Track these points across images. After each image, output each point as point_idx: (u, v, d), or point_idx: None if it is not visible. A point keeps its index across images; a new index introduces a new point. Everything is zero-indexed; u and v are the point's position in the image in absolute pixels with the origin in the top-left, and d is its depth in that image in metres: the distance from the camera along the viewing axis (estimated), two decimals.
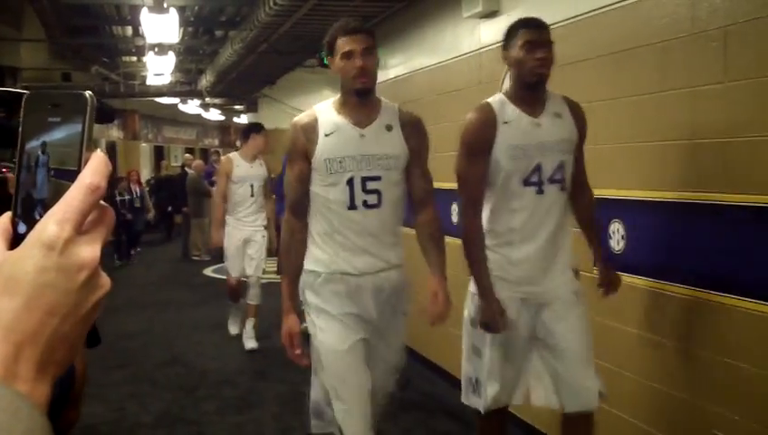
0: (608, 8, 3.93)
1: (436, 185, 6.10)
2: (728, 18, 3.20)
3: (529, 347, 3.45)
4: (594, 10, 4.04)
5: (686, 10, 3.42)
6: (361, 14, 7.11)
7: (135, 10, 9.59)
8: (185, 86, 17.13)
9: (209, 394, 6.01)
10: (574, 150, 3.40)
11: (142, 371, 6.71)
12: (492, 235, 3.39)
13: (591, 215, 3.58)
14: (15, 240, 0.63)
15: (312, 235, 3.36)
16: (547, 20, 4.46)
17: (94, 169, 0.63)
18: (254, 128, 7.53)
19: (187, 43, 12.31)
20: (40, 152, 0.64)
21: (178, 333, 8.23)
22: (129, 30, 12.05)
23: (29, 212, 0.63)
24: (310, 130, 3.29)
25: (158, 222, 16.81)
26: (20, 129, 0.64)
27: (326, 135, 3.25)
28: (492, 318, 3.33)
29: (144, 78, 15.98)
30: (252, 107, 17.89)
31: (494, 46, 5.17)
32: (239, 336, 7.46)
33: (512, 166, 3.29)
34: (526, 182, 3.31)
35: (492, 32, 5.21)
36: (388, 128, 3.33)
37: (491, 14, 5.15)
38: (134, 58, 15.34)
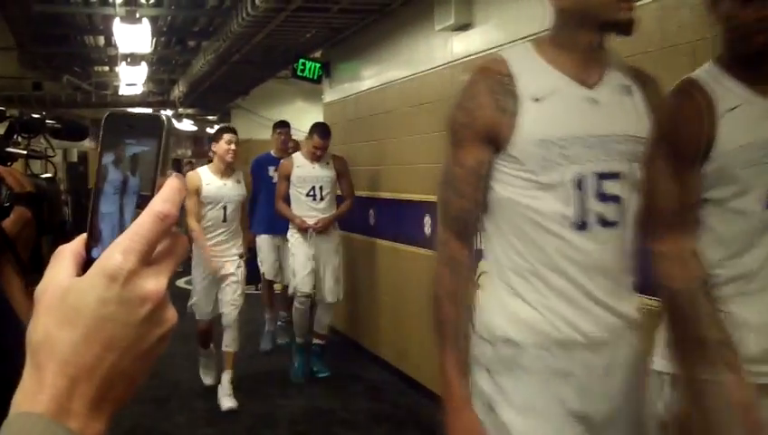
0: None
1: (410, 196, 6.15)
2: (696, 33, 3.25)
3: None
4: None
5: (656, 24, 3.46)
6: (334, 26, 7.15)
7: (107, 20, 9.53)
8: (157, 96, 17.06)
9: (181, 406, 5.97)
10: None
11: None
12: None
13: None
14: (88, 264, 0.61)
15: (497, 275, 2.01)
16: (519, 33, 4.51)
17: (165, 196, 0.61)
18: (229, 129, 5.98)
19: (160, 53, 12.25)
20: (115, 175, 0.62)
21: None
22: (102, 40, 11.98)
23: (103, 236, 0.62)
24: (501, 89, 1.93)
25: None
26: (98, 149, 0.63)
27: (535, 100, 1.93)
28: None
29: (116, 88, 15.90)
30: (225, 118, 17.83)
31: (466, 59, 5.21)
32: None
33: (747, 176, 2.03)
34: None
35: (464, 44, 5.25)
36: (626, 90, 2.02)
37: (463, 26, 5.19)
38: (106, 68, 15.26)
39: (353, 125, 7.52)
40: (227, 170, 5.82)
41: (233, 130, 5.97)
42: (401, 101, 6.33)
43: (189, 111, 18.44)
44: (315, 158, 6.43)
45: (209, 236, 5.82)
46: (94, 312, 0.58)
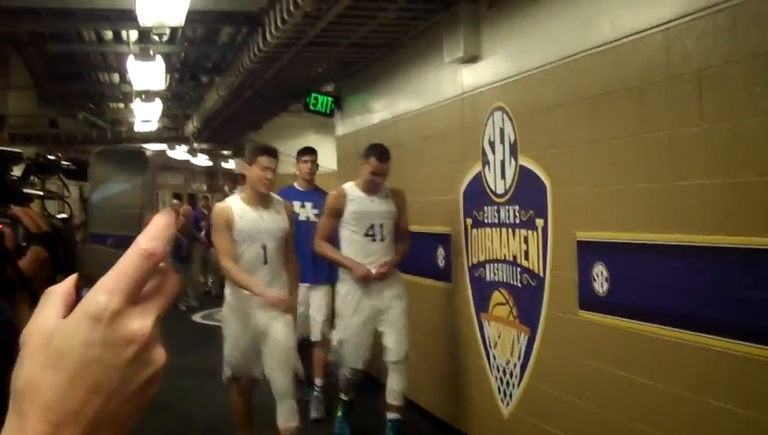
0: (585, 53, 4.01)
1: (422, 229, 6.17)
2: (702, 62, 3.27)
3: None
4: (572, 55, 4.11)
5: (661, 55, 3.49)
6: (345, 59, 7.22)
7: (121, 57, 9.68)
8: (172, 132, 17.20)
9: None
10: None
11: None
12: None
13: None
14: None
15: None
16: (526, 65, 4.56)
17: (151, 233, 0.59)
18: (266, 150, 4.84)
19: (174, 89, 12.39)
20: (104, 211, 0.60)
21: (164, 380, 7.89)
22: (116, 77, 12.13)
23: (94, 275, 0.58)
24: None
25: None
26: (87, 187, 0.61)
27: None
28: None
29: (131, 124, 16.06)
30: (239, 151, 17.95)
31: (475, 91, 5.25)
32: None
33: None
34: None
35: (473, 77, 5.29)
36: None
37: (472, 59, 5.23)
38: (121, 104, 15.44)
39: None
40: (263, 200, 4.71)
41: (271, 152, 4.79)
42: (412, 134, 6.37)
43: (204, 145, 18.60)
44: (373, 187, 5.21)
45: None
46: (79, 355, 0.56)
